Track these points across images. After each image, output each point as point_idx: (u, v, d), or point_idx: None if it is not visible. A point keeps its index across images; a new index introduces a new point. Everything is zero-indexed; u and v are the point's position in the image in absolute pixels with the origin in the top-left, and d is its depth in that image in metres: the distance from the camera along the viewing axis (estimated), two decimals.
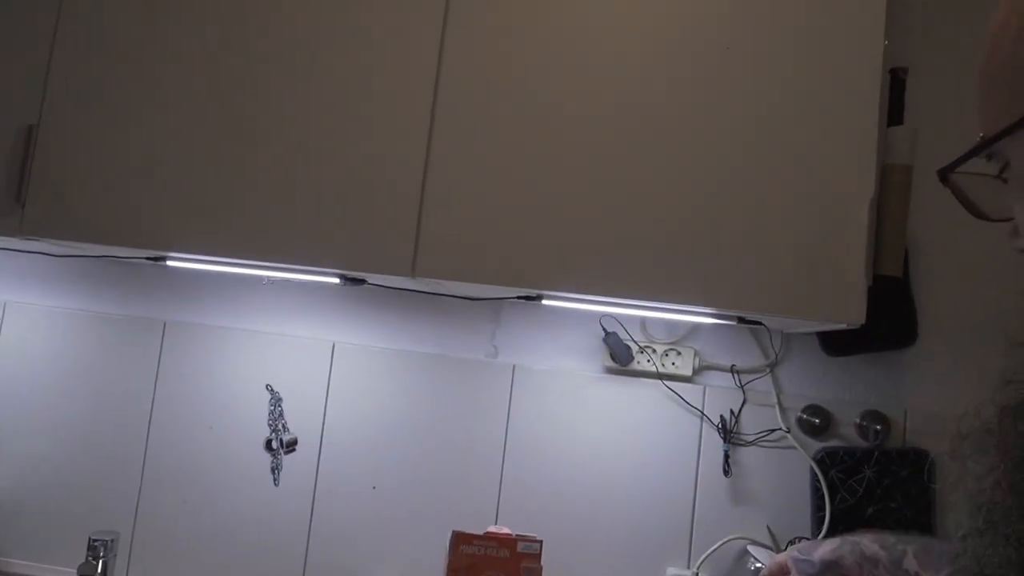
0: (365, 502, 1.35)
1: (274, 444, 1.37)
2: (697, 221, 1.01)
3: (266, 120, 1.08)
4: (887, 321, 1.06)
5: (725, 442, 1.28)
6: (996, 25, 0.48)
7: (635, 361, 1.31)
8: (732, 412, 1.29)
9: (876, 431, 1.27)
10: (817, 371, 1.31)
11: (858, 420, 1.29)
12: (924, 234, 1.28)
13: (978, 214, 0.53)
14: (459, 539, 1.13)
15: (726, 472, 1.28)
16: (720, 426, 1.29)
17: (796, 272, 0.99)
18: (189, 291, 1.43)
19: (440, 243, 1.04)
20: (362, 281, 1.17)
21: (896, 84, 1.16)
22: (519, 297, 1.13)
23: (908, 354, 1.30)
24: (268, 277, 1.19)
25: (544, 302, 1.12)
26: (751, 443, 1.29)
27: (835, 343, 1.27)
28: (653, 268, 1.01)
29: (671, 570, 1.28)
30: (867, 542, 0.86)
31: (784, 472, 1.29)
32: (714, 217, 1.01)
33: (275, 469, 1.37)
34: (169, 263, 1.19)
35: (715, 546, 1.27)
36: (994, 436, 0.47)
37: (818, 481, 1.26)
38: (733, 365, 1.31)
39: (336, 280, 1.15)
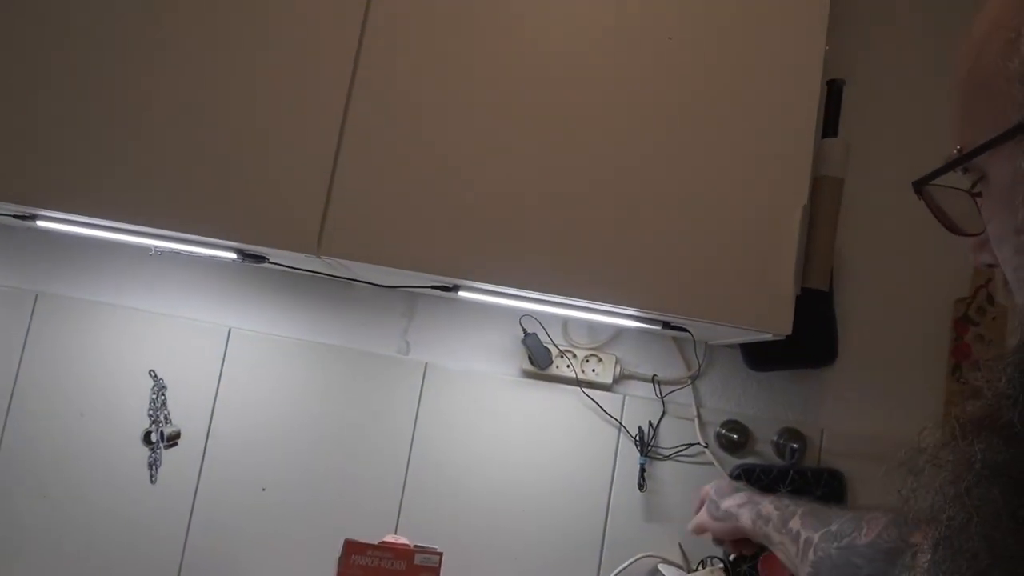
0: (252, 505, 1.23)
1: (153, 437, 1.24)
2: (625, 218, 0.95)
3: (164, 70, 0.96)
4: (809, 337, 1.04)
5: (642, 455, 1.23)
6: (978, 38, 0.47)
7: (554, 365, 1.24)
8: (651, 424, 1.24)
9: (792, 449, 1.24)
10: (738, 386, 1.27)
11: (775, 438, 1.26)
12: (850, 250, 1.27)
13: (951, 227, 0.52)
14: (351, 548, 1.03)
15: (641, 487, 1.23)
16: (638, 438, 1.24)
17: (725, 277, 0.94)
18: (66, 260, 1.28)
19: (350, 221, 0.95)
20: (263, 259, 1.06)
21: (833, 95, 1.14)
22: (434, 287, 1.04)
23: (827, 372, 1.28)
24: (155, 247, 1.07)
25: (461, 294, 1.04)
26: (668, 457, 1.24)
27: (757, 357, 1.24)
28: (577, 264, 0.94)
29: None
30: (766, 503, 0.93)
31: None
32: (643, 215, 0.95)
33: (153, 464, 1.24)
34: (40, 223, 1.05)
35: (625, 564, 1.21)
36: (952, 451, 0.47)
37: None
38: (655, 375, 1.26)
39: (234, 256, 1.04)
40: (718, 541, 1.02)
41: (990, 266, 0.50)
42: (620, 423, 1.25)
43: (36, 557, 1.21)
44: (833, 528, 0.84)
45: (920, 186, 0.51)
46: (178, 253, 1.08)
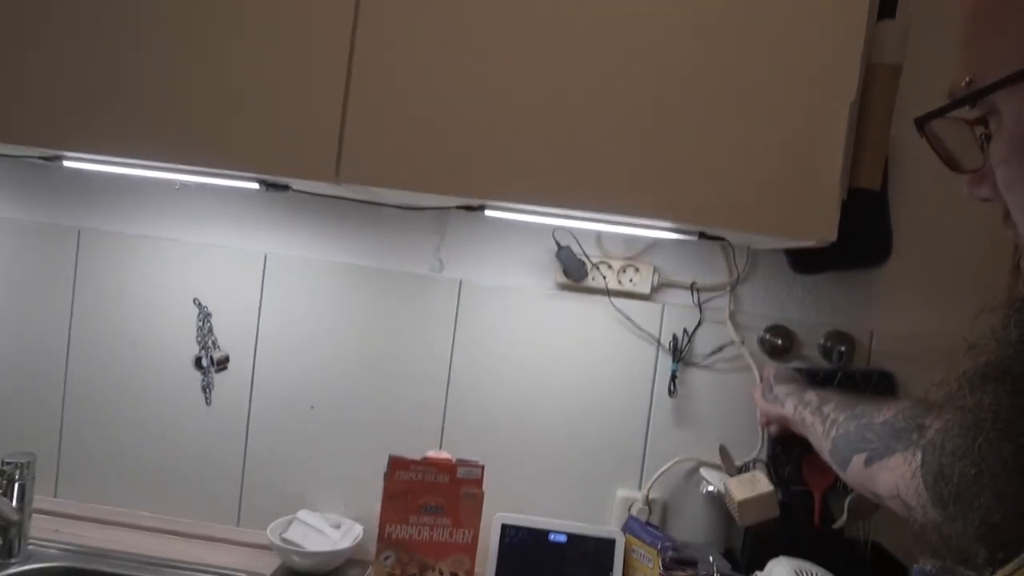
0: (303, 422, 1.28)
1: (204, 362, 1.28)
2: (653, 124, 0.89)
3: (175, 8, 0.93)
4: (860, 237, 0.98)
5: (674, 361, 1.21)
6: None
7: (590, 277, 1.22)
8: (686, 331, 1.22)
9: (840, 352, 1.21)
10: (782, 290, 1.23)
11: (822, 341, 1.22)
12: (907, 143, 1.17)
13: (950, 163, 0.50)
14: (395, 464, 1.06)
15: (671, 392, 1.22)
16: (671, 345, 1.22)
17: (763, 183, 0.88)
18: (102, 196, 1.30)
19: (367, 146, 0.92)
20: (286, 187, 1.05)
21: None
22: (460, 207, 1.01)
23: (879, 273, 1.22)
24: (179, 182, 1.06)
25: (487, 213, 1.01)
26: (702, 365, 1.23)
27: (803, 260, 1.19)
28: (607, 177, 0.90)
29: (621, 492, 1.24)
30: (811, 391, 1.01)
31: (739, 394, 1.23)
32: (673, 119, 0.89)
33: (206, 388, 1.29)
34: (66, 163, 1.06)
35: (665, 466, 1.23)
36: (959, 406, 0.47)
37: None
38: (693, 283, 1.22)
39: (256, 186, 1.03)
40: (766, 422, 1.12)
41: (985, 200, 0.48)
42: (659, 332, 1.23)
43: (110, 481, 1.30)
44: (857, 410, 0.90)
45: (924, 121, 0.48)
46: (201, 187, 1.08)
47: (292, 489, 1.28)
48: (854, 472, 0.88)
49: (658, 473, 1.22)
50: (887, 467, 0.81)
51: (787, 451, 1.20)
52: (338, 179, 0.92)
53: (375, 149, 0.92)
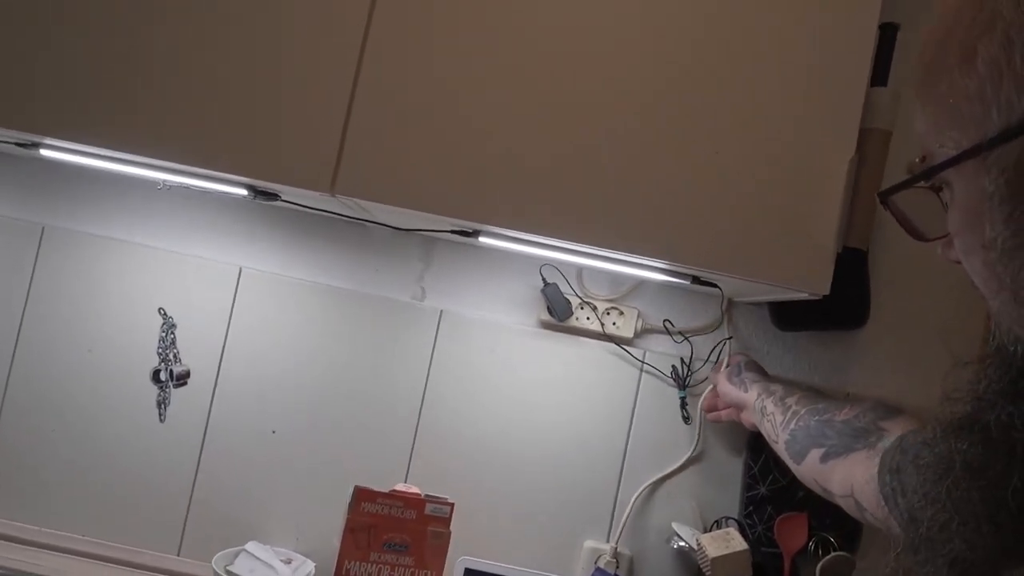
0: (262, 447, 1.21)
1: (163, 375, 1.22)
2: (658, 163, 0.89)
3: None
4: (841, 298, 0.99)
5: (681, 389, 1.20)
6: (935, 44, 0.46)
7: (574, 317, 1.20)
8: (683, 360, 1.21)
9: None
10: (763, 346, 1.23)
11: None
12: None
13: (916, 235, 0.52)
14: (361, 495, 1.01)
15: (686, 419, 1.20)
16: (673, 376, 1.20)
17: (763, 231, 0.89)
18: (73, 193, 1.24)
19: (366, 159, 0.90)
20: (275, 196, 1.02)
21: (885, 40, 1.06)
22: (453, 231, 0.99)
23: (856, 335, 1.23)
24: (164, 181, 1.02)
25: (481, 239, 0.99)
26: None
27: (786, 317, 1.19)
28: (606, 211, 0.89)
29: (589, 542, 1.20)
30: (777, 384, 1.04)
31: (717, 446, 1.21)
32: (678, 161, 0.89)
33: (162, 403, 1.22)
34: (43, 152, 1.01)
35: (624, 516, 1.19)
36: (934, 453, 0.48)
37: (752, 460, 1.19)
38: (665, 320, 1.21)
39: (245, 192, 1.00)
40: (711, 407, 1.15)
41: (957, 263, 0.49)
42: (639, 379, 1.21)
43: (44, 492, 1.20)
44: (820, 405, 0.93)
45: (885, 197, 0.51)
46: (187, 188, 1.04)
47: (242, 518, 1.20)
48: (808, 466, 0.90)
49: (624, 524, 1.19)
50: (843, 465, 0.83)
51: (759, 512, 1.19)
52: (333, 191, 0.90)
53: (375, 163, 0.90)
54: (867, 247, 1.11)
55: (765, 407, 1.01)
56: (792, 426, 0.95)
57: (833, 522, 1.17)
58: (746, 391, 1.06)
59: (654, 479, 1.21)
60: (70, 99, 0.90)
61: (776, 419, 0.98)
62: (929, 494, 0.47)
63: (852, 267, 1.09)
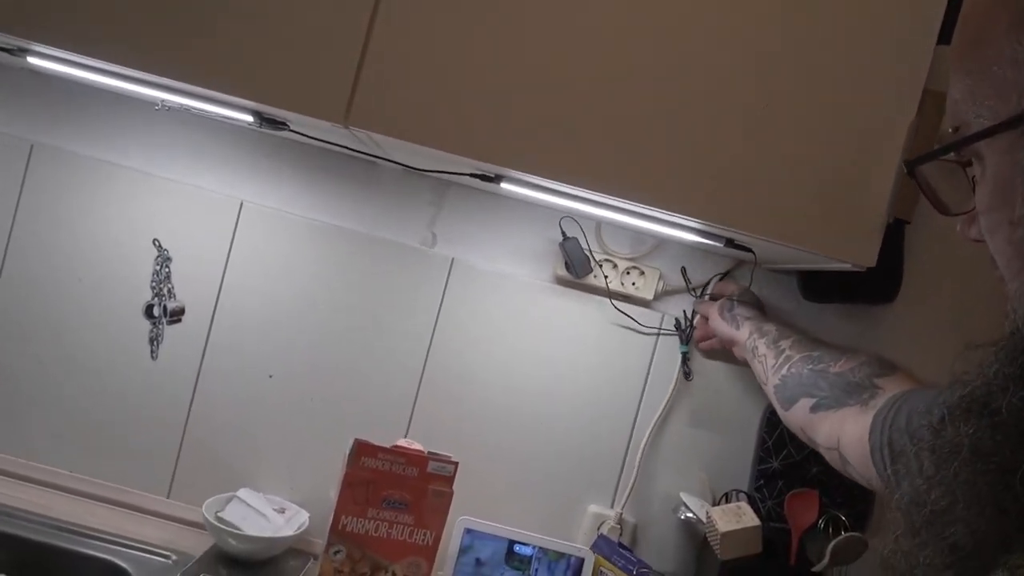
0: (258, 391, 1.16)
1: (156, 311, 1.15)
2: (705, 115, 0.82)
3: None
4: (873, 271, 0.93)
5: (683, 344, 1.15)
6: (982, 9, 0.44)
7: (592, 274, 1.14)
8: (686, 315, 1.15)
9: None
10: (787, 316, 1.17)
11: None
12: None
13: (941, 208, 0.51)
14: (361, 449, 0.96)
15: (687, 375, 1.15)
16: (676, 326, 1.15)
17: (811, 195, 0.82)
18: (68, 110, 1.16)
19: (385, 90, 0.82)
20: (283, 125, 0.94)
21: None
22: (473, 174, 0.92)
23: (883, 311, 1.18)
24: (163, 101, 0.94)
25: (503, 185, 0.92)
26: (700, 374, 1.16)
27: (815, 287, 1.13)
28: (644, 163, 0.82)
29: (593, 507, 1.16)
30: (771, 324, 1.01)
31: (730, 418, 1.17)
32: (727, 115, 0.82)
33: (154, 340, 1.16)
34: (32, 60, 0.92)
35: (631, 483, 1.15)
36: (940, 436, 0.47)
37: (766, 433, 1.15)
38: (683, 267, 1.15)
39: (250, 119, 0.92)
40: (703, 337, 1.12)
41: (977, 241, 0.48)
42: (655, 342, 1.16)
43: (27, 424, 1.15)
44: (815, 354, 0.92)
45: (912, 167, 0.50)
46: (188, 111, 0.96)
47: (235, 464, 1.16)
48: (796, 413, 0.89)
49: (630, 490, 1.15)
50: (832, 418, 0.83)
51: (769, 486, 1.15)
52: (347, 122, 0.82)
53: (394, 95, 0.82)
54: (911, 218, 1.04)
55: (756, 347, 0.99)
56: (784, 371, 0.93)
57: (844, 500, 1.14)
58: (738, 328, 1.03)
59: (666, 446, 1.16)
60: (61, 1, 0.81)
61: (768, 361, 0.96)
62: (934, 477, 0.46)
63: (890, 239, 1.03)
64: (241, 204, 1.15)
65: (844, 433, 0.80)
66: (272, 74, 0.82)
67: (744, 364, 1.06)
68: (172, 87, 0.87)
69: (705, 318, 1.12)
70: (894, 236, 1.13)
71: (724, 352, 1.12)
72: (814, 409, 0.87)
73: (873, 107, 0.82)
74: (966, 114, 0.45)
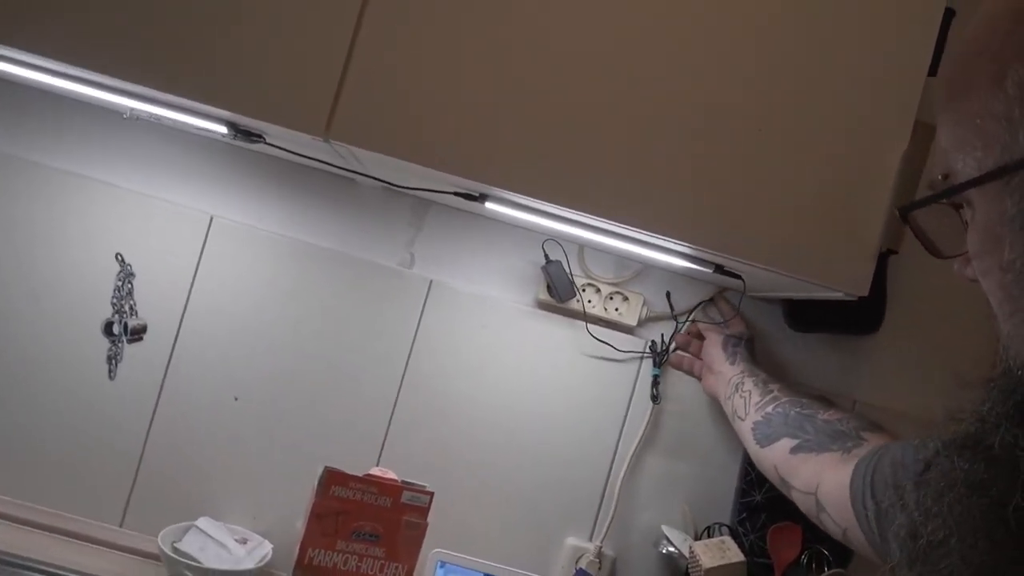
0: (222, 415, 1.10)
1: (116, 328, 1.09)
2: (698, 138, 0.80)
3: None
4: (860, 301, 0.92)
5: (656, 366, 1.12)
6: (965, 62, 0.46)
7: (575, 299, 1.11)
8: (663, 337, 1.13)
9: None
10: (772, 345, 1.15)
11: None
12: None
13: (934, 252, 0.52)
14: (332, 478, 0.91)
15: (655, 398, 1.12)
16: (650, 348, 1.12)
17: (805, 222, 0.81)
18: (28, 117, 1.10)
19: (367, 103, 0.79)
20: (259, 137, 0.90)
21: (941, 27, 0.98)
22: (458, 193, 0.89)
23: (868, 341, 1.17)
24: (131, 110, 0.89)
25: (488, 205, 0.89)
26: (678, 405, 1.13)
27: (800, 316, 1.12)
28: (635, 185, 0.80)
29: (571, 540, 1.12)
30: (763, 371, 1.01)
31: (714, 449, 1.14)
32: (719, 138, 0.80)
33: (112, 358, 1.10)
34: None
35: (610, 515, 1.12)
36: (936, 469, 0.48)
37: (749, 465, 1.12)
38: (668, 292, 1.13)
39: (224, 130, 0.88)
40: (685, 344, 1.11)
41: (973, 281, 0.49)
42: (638, 369, 1.13)
43: None
44: (804, 400, 0.93)
45: (905, 212, 0.51)
46: (158, 120, 0.91)
47: (195, 491, 1.10)
48: (775, 453, 0.89)
49: (611, 513, 1.11)
50: (813, 461, 0.83)
51: (752, 519, 1.12)
52: (328, 134, 0.79)
53: (377, 108, 0.79)
54: (898, 248, 1.03)
55: (743, 383, 0.99)
56: (769, 409, 0.93)
57: (828, 536, 1.11)
58: (733, 363, 1.03)
59: (647, 479, 1.13)
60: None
61: (752, 398, 0.97)
62: (930, 510, 0.47)
63: (877, 269, 1.02)
64: (211, 219, 1.10)
65: (824, 479, 0.79)
66: (250, 83, 0.78)
67: (709, 396, 1.07)
68: (142, 95, 0.82)
69: (701, 337, 1.10)
70: (878, 267, 1.12)
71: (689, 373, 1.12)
72: (795, 450, 0.86)
73: (866, 136, 0.81)
74: (954, 162, 0.46)
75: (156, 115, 0.90)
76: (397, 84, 0.78)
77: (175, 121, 0.90)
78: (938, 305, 1.16)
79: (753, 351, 1.08)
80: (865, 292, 0.82)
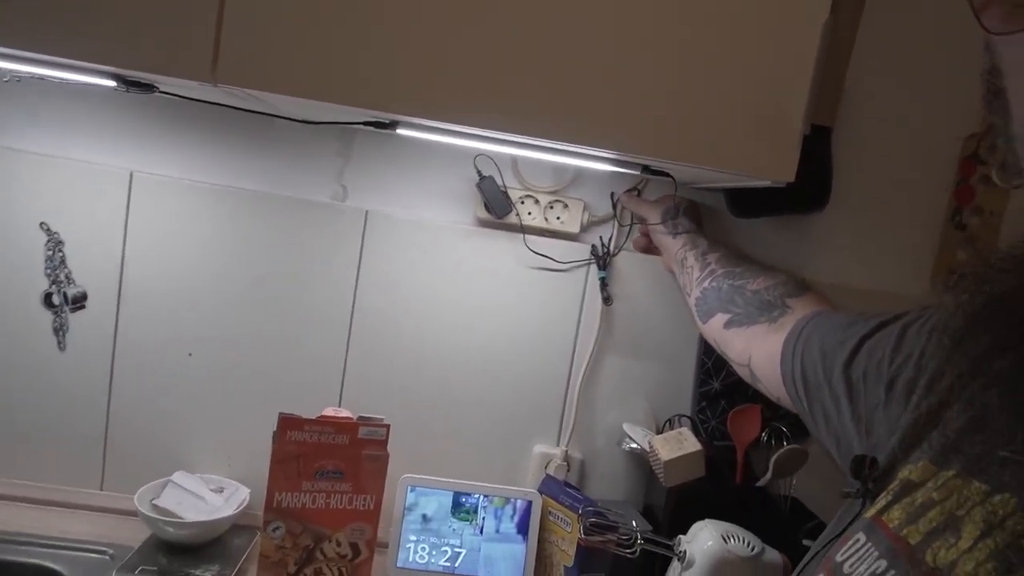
0: (179, 371, 1.10)
1: (55, 299, 1.08)
2: (608, 44, 0.76)
3: None
4: (801, 179, 0.90)
5: (602, 269, 1.12)
6: None
7: (514, 212, 1.09)
8: (602, 240, 1.12)
9: None
10: (718, 235, 1.14)
11: None
12: (858, 77, 1.09)
13: None
14: (286, 424, 0.92)
15: (607, 300, 1.12)
16: (592, 255, 1.12)
17: (724, 112, 0.77)
18: None
19: (251, 40, 0.74)
20: (150, 87, 0.85)
21: None
22: (368, 123, 0.85)
23: (817, 218, 1.16)
24: (11, 72, 0.84)
25: (400, 131, 0.85)
26: (630, 294, 1.14)
27: (742, 203, 1.10)
28: (549, 99, 0.76)
29: (539, 447, 1.15)
30: (703, 238, 1.02)
31: (670, 344, 1.15)
32: (629, 41, 0.76)
33: (59, 330, 1.09)
34: None
35: (572, 420, 1.14)
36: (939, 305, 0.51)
37: (706, 355, 1.14)
38: (612, 193, 1.11)
39: (113, 84, 0.83)
40: (645, 242, 1.11)
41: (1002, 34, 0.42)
42: (586, 275, 1.12)
43: None
44: (737, 270, 0.94)
45: None
46: (42, 80, 0.86)
47: (167, 447, 1.11)
48: (712, 327, 0.93)
49: (574, 417, 1.14)
50: (744, 335, 0.86)
51: (712, 407, 1.15)
52: (215, 79, 0.74)
53: (262, 44, 0.74)
54: (833, 123, 1.01)
55: (686, 258, 1.01)
56: (706, 284, 0.96)
57: (786, 412, 1.14)
58: (674, 237, 1.04)
59: (608, 379, 1.15)
60: None
61: (693, 273, 0.99)
62: (943, 352, 0.49)
63: (816, 146, 0.99)
64: (131, 175, 1.07)
65: (754, 350, 0.83)
66: (125, 34, 0.73)
67: (670, 272, 1.08)
68: (12, 55, 0.77)
69: (643, 220, 1.10)
70: (820, 143, 1.10)
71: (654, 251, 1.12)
72: (727, 325, 0.89)
73: (782, 10, 0.77)
74: None
75: (37, 75, 0.84)
76: (279, 16, 0.73)
77: (59, 79, 0.85)
78: (883, 177, 1.14)
79: (697, 216, 1.08)
80: (791, 177, 0.79)
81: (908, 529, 0.42)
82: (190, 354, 1.10)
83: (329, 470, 0.93)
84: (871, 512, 0.46)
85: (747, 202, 1.10)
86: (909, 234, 1.16)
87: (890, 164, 1.14)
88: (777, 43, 0.77)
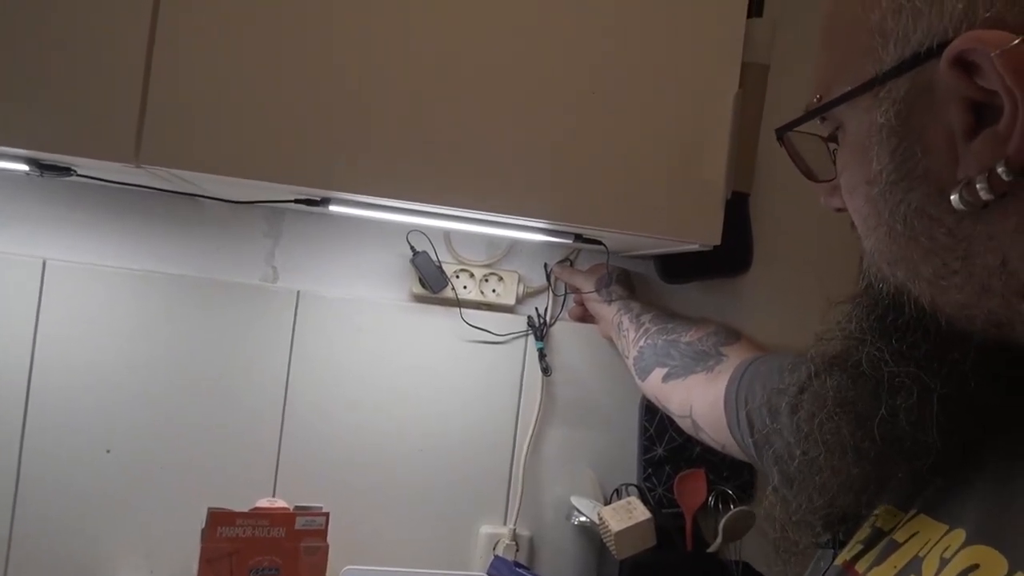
0: (96, 470, 1.03)
1: None
2: (533, 117, 0.78)
3: None
4: (726, 245, 0.94)
5: (539, 340, 1.11)
6: None
7: (449, 287, 1.08)
8: (537, 312, 1.12)
9: None
10: (651, 299, 1.16)
11: None
12: (768, 146, 1.15)
13: (806, 173, 0.53)
14: (216, 519, 0.86)
15: (546, 371, 1.11)
16: (529, 324, 1.11)
17: (647, 179, 0.80)
18: None
19: (175, 120, 0.73)
20: (68, 171, 0.82)
21: None
22: (298, 200, 0.85)
23: (741, 281, 1.20)
24: None
25: (332, 208, 0.85)
26: (571, 368, 1.13)
27: (671, 268, 1.13)
28: (471, 168, 0.77)
29: (485, 528, 1.11)
30: (636, 303, 1.05)
31: (612, 412, 1.15)
32: (550, 108, 0.79)
33: None
34: None
35: (519, 496, 1.11)
36: (806, 392, 0.50)
37: (647, 421, 1.14)
38: (546, 263, 1.12)
39: (25, 168, 0.80)
40: (577, 301, 1.13)
41: (839, 210, 0.50)
42: (525, 347, 1.12)
43: None
44: (670, 326, 0.98)
45: (781, 133, 0.51)
46: None
47: (81, 556, 1.02)
48: (652, 384, 0.95)
49: (520, 494, 1.11)
50: (683, 386, 0.88)
51: (658, 473, 1.14)
52: (138, 160, 0.72)
53: (187, 124, 0.73)
54: (750, 189, 1.06)
55: (622, 323, 1.03)
56: (642, 343, 0.98)
57: (730, 474, 1.15)
58: (608, 304, 1.06)
59: (551, 452, 1.13)
60: None
61: (630, 335, 1.01)
62: (803, 431, 0.50)
63: (735, 212, 1.04)
64: (44, 263, 1.01)
65: (695, 401, 0.85)
66: (41, 115, 0.71)
67: (607, 340, 1.10)
68: None
69: (577, 290, 1.11)
70: (739, 208, 1.15)
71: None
72: (666, 378, 0.92)
73: (696, 85, 0.82)
74: (828, 83, 0.46)
75: None
76: (202, 97, 0.73)
77: None
78: (803, 236, 1.20)
79: (629, 283, 1.11)
80: (717, 240, 0.83)
81: (875, 571, 0.42)
82: (108, 451, 1.03)
83: (265, 567, 0.87)
84: (842, 559, 0.47)
85: (676, 267, 1.13)
86: (834, 285, 1.20)
87: (807, 221, 1.19)
88: (695, 114, 0.81)
